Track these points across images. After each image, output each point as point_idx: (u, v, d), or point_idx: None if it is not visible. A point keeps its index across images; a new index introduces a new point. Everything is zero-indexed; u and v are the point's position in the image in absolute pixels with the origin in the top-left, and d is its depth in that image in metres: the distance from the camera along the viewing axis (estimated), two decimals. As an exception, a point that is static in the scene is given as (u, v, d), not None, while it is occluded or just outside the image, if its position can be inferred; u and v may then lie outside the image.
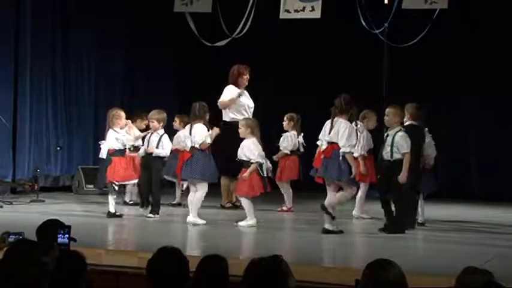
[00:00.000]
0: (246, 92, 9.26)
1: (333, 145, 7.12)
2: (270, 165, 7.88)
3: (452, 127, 11.45)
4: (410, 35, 9.90)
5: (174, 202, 9.56)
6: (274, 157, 8.94)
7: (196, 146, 7.84)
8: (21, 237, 4.64)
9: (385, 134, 7.43)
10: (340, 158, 7.03)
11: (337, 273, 5.20)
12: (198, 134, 7.87)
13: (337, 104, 7.16)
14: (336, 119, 7.15)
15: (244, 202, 7.76)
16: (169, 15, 10.86)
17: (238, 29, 10.12)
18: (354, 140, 7.16)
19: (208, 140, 7.86)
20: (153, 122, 8.51)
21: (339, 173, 7.05)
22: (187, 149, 7.94)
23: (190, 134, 7.93)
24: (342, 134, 7.05)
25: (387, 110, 7.43)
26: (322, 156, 7.28)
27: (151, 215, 8.28)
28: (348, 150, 7.06)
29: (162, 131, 8.52)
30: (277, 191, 9.16)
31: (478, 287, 2.95)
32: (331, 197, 7.14)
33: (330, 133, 7.14)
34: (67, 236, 3.97)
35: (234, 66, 9.29)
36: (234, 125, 8.54)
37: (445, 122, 11.10)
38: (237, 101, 9.12)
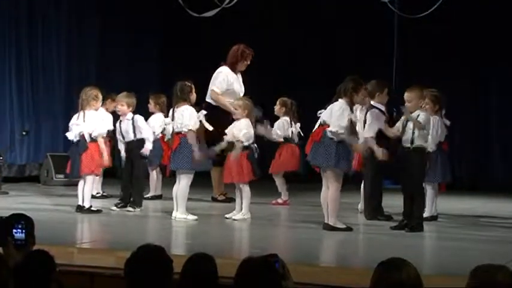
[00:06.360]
0: (239, 77, 9.09)
1: (323, 127, 7.08)
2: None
3: (472, 107, 11.48)
4: (424, 5, 9.90)
5: (151, 195, 9.41)
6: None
7: (185, 130, 7.65)
8: None
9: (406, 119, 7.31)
10: (331, 141, 6.93)
11: (340, 274, 5.26)
12: (187, 117, 7.65)
13: (341, 85, 7.15)
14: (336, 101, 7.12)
15: (246, 191, 7.71)
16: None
17: (229, -2, 10.10)
18: (345, 121, 7.00)
19: (197, 126, 7.67)
20: (122, 105, 8.34)
21: (326, 160, 6.95)
22: (169, 136, 7.82)
23: (172, 119, 7.78)
24: (333, 113, 6.97)
25: (407, 94, 7.16)
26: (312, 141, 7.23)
27: (131, 209, 8.30)
28: (335, 130, 6.92)
29: (130, 115, 8.32)
30: (270, 181, 9.20)
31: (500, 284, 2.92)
32: (331, 197, 7.09)
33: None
34: (24, 230, 3.91)
35: (239, 46, 9.05)
36: (220, 109, 8.53)
37: (465, 102, 11.13)
38: (230, 90, 8.92)
